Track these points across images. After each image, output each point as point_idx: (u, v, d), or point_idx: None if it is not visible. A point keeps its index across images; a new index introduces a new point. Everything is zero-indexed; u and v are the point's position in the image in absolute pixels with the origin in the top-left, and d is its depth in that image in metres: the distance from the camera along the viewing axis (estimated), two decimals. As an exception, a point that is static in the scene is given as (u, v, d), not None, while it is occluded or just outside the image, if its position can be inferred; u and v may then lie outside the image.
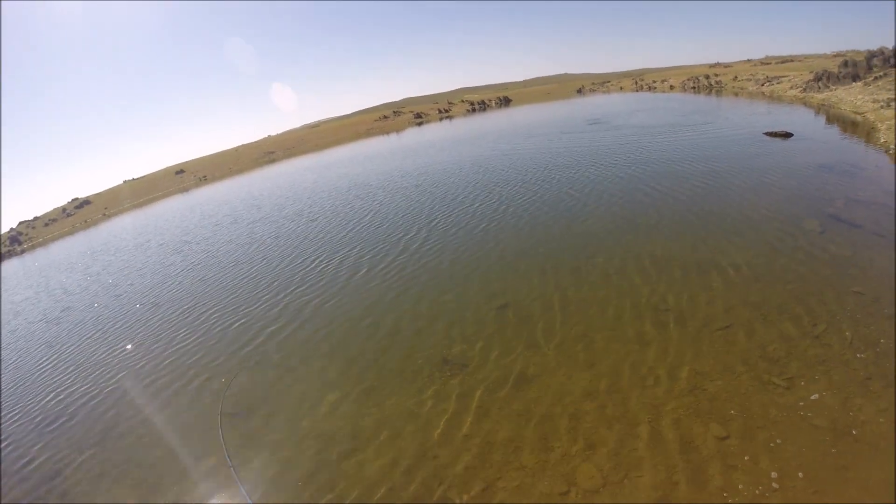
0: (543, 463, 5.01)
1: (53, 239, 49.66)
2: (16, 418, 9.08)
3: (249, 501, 4.93)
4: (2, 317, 18.56)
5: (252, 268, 14.67)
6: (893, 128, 13.77)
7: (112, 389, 9.08)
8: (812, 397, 4.99)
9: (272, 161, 67.36)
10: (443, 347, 7.59)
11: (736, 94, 35.09)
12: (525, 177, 18.27)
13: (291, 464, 5.92)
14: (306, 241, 16.14)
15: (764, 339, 6.03)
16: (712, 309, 6.94)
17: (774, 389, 5.21)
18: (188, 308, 12.45)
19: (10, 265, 38.35)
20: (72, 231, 51.78)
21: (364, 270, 11.79)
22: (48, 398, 9.50)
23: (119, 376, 9.54)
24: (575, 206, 13.24)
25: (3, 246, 51.77)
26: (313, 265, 13.25)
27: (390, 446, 5.79)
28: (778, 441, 4.59)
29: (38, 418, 8.75)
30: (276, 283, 12.45)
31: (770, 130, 16.99)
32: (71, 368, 10.73)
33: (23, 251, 47.22)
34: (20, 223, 67.40)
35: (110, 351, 11.11)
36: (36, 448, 7.82)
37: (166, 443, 7.06)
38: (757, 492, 4.14)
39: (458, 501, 4.83)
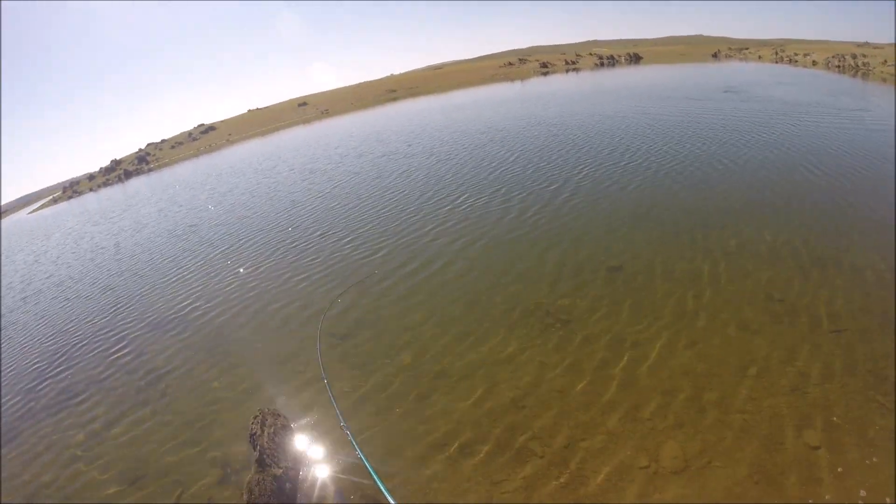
0: (630, 432, 5.23)
1: (178, 160, 52.81)
2: (137, 323, 10.58)
3: (343, 423, 5.27)
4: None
5: (383, 201, 15.44)
6: None
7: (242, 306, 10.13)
8: (916, 428, 4.85)
9: (394, 99, 67.40)
10: (548, 300, 7.86)
11: (884, 80, 30.97)
12: (666, 141, 17.34)
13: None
14: (442, 181, 16.46)
15: (877, 353, 5.81)
16: (829, 308, 6.71)
17: (878, 409, 5.10)
18: (322, 232, 13.62)
19: (137, 181, 41.47)
20: (196, 154, 54.85)
21: (512, 215, 12.04)
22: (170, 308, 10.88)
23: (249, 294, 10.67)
24: (706, 174, 12.85)
25: (130, 164, 56.07)
26: (454, 203, 13.75)
27: (485, 388, 6.24)
28: (874, 460, 4.56)
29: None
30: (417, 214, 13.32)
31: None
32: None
33: (150, 170, 50.90)
34: (148, 144, 72.32)
35: (231, 271, 12.45)
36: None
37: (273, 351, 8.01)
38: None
39: (538, 452, 5.18)
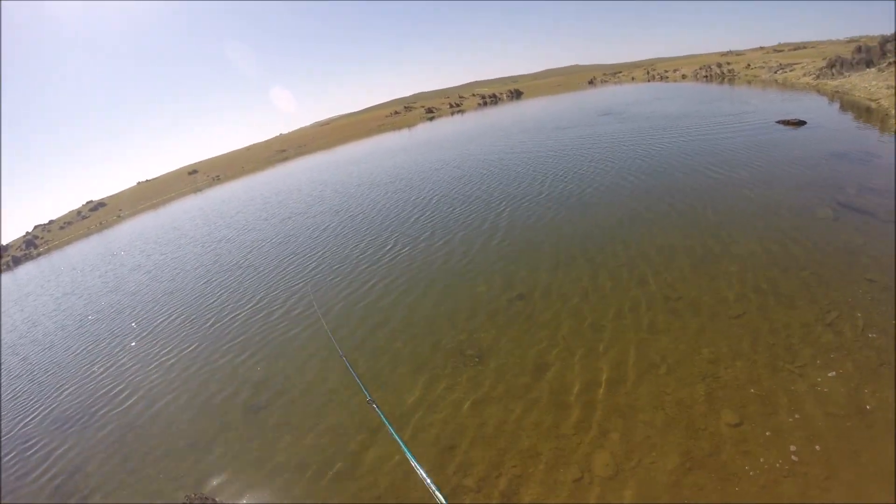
0: (557, 451, 5.10)
1: (69, 241, 50.50)
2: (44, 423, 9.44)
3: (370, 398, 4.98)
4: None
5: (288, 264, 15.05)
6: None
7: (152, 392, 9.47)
8: (824, 384, 5.03)
9: (285, 159, 67.73)
10: (456, 338, 7.76)
11: (749, 83, 34.73)
12: (550, 173, 18.21)
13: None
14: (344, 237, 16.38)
15: (777, 326, 6.06)
16: (725, 297, 6.97)
17: (788, 376, 5.25)
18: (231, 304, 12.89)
19: (26, 269, 39.08)
20: (87, 233, 52.63)
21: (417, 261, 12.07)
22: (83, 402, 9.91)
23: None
24: (589, 195, 13.44)
25: (18, 250, 53.23)
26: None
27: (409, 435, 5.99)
28: (796, 416, 4.72)
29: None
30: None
31: (783, 119, 16.85)
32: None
33: (39, 254, 48.38)
34: (35, 227, 68.79)
35: (140, 357, 11.67)
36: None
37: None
38: (779, 464, 4.27)
39: (472, 487, 4.95)
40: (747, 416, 4.88)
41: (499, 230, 12.27)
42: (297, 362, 8.39)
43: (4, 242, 60.04)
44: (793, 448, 4.41)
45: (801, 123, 15.92)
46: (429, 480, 3.05)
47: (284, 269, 13.87)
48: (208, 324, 11.37)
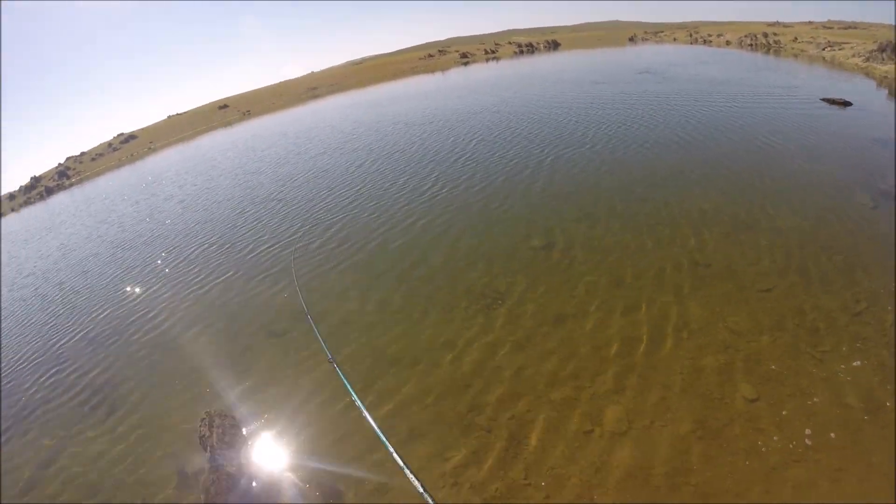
0: (573, 400, 5.08)
1: (100, 172, 50.55)
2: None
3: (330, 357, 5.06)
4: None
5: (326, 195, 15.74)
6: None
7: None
8: (845, 374, 4.95)
9: (316, 97, 65.60)
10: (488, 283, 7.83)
11: (795, 56, 33.18)
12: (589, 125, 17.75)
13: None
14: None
15: (804, 308, 5.97)
16: (755, 270, 6.85)
17: (809, 360, 5.19)
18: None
19: (59, 199, 39.17)
20: (118, 165, 52.60)
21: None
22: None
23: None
24: (634, 153, 13.00)
25: (51, 180, 53.34)
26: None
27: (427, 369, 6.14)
28: (815, 400, 4.68)
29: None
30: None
31: (828, 97, 16.17)
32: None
33: (71, 185, 48.55)
34: (68, 158, 68.36)
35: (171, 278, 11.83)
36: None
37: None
38: (792, 445, 4.27)
39: (485, 426, 4.96)
40: (764, 394, 4.86)
41: (539, 178, 12.03)
42: (332, 294, 8.49)
43: (38, 174, 60.02)
44: (808, 432, 4.38)
45: (846, 104, 15.28)
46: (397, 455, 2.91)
47: (319, 203, 13.81)
48: (242, 253, 11.47)
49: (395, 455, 1.92)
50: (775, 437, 4.38)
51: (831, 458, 4.15)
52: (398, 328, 7.06)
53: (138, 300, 10.57)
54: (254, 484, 5.10)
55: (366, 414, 2.94)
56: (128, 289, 11.45)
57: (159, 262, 12.72)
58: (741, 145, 12.26)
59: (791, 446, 4.28)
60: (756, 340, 5.54)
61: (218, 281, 10.26)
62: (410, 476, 1.69)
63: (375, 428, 3.00)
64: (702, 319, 5.99)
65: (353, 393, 3.96)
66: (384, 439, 2.86)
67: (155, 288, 10.94)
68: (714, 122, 14.93)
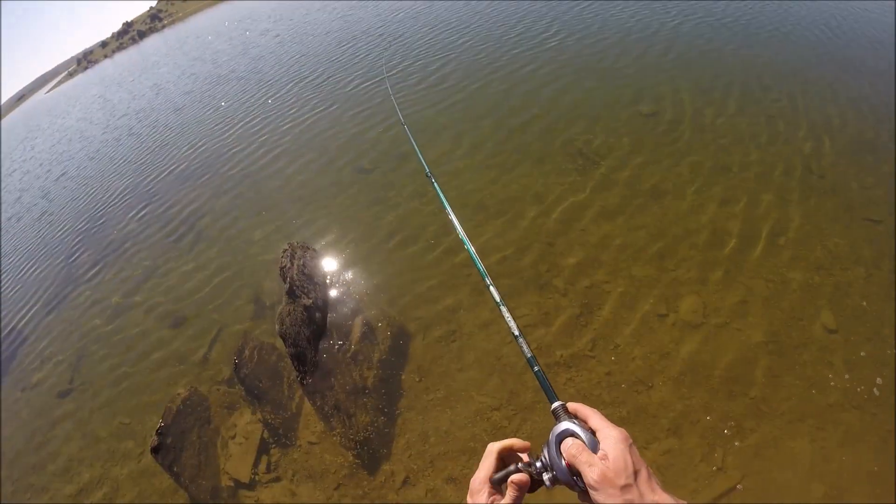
0: (654, 279, 4.87)
1: (195, 12, 45.94)
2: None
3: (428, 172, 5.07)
4: None
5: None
6: None
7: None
8: (932, 334, 4.68)
9: None
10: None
11: None
12: None
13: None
14: None
15: (910, 251, 5.49)
16: (868, 196, 6.28)
17: (897, 308, 4.86)
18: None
19: (152, 41, 36.55)
20: (212, 3, 47.63)
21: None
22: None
23: None
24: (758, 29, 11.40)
25: (143, 24, 50.83)
26: None
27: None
28: (890, 351, 4.47)
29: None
30: None
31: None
32: None
33: (163, 27, 44.84)
34: (159, 1, 66.85)
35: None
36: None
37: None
38: (859, 389, 4.17)
39: (560, 289, 4.79)
40: (845, 327, 4.64)
41: (658, 41, 10.64)
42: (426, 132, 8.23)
43: (130, 19, 59.77)
44: (879, 381, 4.22)
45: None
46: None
47: (424, 39, 12.82)
48: (347, 88, 10.95)
49: (489, 285, 1.64)
50: (846, 376, 4.25)
51: (890, 416, 4.04)
52: (489, 174, 6.83)
53: (230, 135, 10.52)
54: (328, 318, 5.27)
55: (461, 234, 2.60)
56: (219, 125, 11.39)
57: (252, 97, 12.63)
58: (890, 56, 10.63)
59: (859, 390, 4.16)
60: (851, 270, 5.23)
61: (312, 115, 10.05)
62: (505, 312, 1.46)
63: (472, 251, 2.69)
64: (801, 231, 5.64)
65: (450, 210, 3.62)
66: (481, 267, 2.55)
67: (247, 122, 10.84)
68: (865, 20, 12.85)
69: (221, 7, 42.08)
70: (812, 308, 4.79)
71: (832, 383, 4.21)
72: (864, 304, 4.92)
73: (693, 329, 4.50)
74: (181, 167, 9.86)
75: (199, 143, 10.70)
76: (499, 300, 1.67)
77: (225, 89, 13.90)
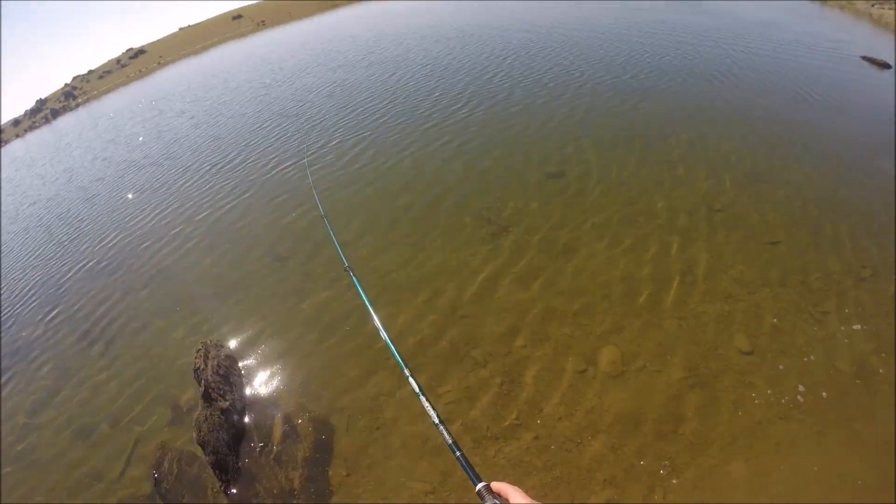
0: (570, 339, 5.07)
1: (108, 91, 48.14)
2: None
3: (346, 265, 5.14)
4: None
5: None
6: None
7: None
8: (843, 337, 4.98)
9: (335, 7, 60.80)
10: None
11: (841, 8, 31.31)
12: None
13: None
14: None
15: (809, 267, 5.92)
16: (765, 221, 6.73)
17: (808, 319, 5.20)
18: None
19: (65, 120, 37.78)
20: (127, 82, 49.79)
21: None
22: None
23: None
24: (646, 85, 12.45)
25: (57, 102, 51.77)
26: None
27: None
28: (811, 357, 4.77)
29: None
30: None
31: (868, 56, 15.32)
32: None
33: (78, 105, 46.60)
34: (74, 78, 66.40)
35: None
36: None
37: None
38: (784, 401, 4.37)
39: (480, 361, 4.98)
40: (760, 347, 4.91)
41: (562, 105, 11.50)
42: (349, 214, 8.39)
43: (44, 96, 59.02)
44: (801, 388, 4.47)
45: (886, 66, 14.52)
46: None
47: (344, 119, 13.35)
48: (263, 173, 11.18)
49: (409, 377, 1.82)
50: (769, 391, 4.46)
51: (816, 419, 4.24)
52: (405, 253, 7.02)
53: (143, 226, 10.46)
54: (246, 420, 5.19)
55: (380, 328, 2.78)
56: (132, 216, 11.28)
57: (166, 184, 12.54)
58: (772, 92, 11.65)
59: (783, 401, 4.36)
60: (758, 292, 5.54)
61: (228, 202, 10.10)
62: (424, 402, 1.61)
63: (390, 344, 2.88)
64: (708, 266, 5.95)
65: (368, 304, 3.83)
66: (399, 358, 2.75)
67: (161, 212, 10.81)
68: (749, 64, 14.16)
69: (136, 86, 42.72)
70: (726, 336, 5.01)
71: (756, 401, 4.38)
72: (775, 320, 5.19)
73: (614, 379, 4.65)
74: (92, 263, 9.63)
75: (112, 236, 10.54)
76: (417, 391, 1.86)
77: (138, 176, 13.84)
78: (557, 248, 6.50)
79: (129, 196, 12.76)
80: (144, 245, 9.65)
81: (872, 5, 29.67)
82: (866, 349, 4.86)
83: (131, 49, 73.45)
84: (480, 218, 7.38)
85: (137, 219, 11.04)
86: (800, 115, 10.25)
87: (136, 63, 63.93)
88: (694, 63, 14.33)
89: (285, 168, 10.95)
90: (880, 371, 4.66)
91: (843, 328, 5.08)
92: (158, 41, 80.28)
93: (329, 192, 9.17)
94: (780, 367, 4.70)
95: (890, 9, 27.90)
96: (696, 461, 4.06)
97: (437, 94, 13.74)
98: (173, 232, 9.67)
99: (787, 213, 6.85)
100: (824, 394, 4.44)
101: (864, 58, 14.96)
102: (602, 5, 23.79)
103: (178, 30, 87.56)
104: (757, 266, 5.91)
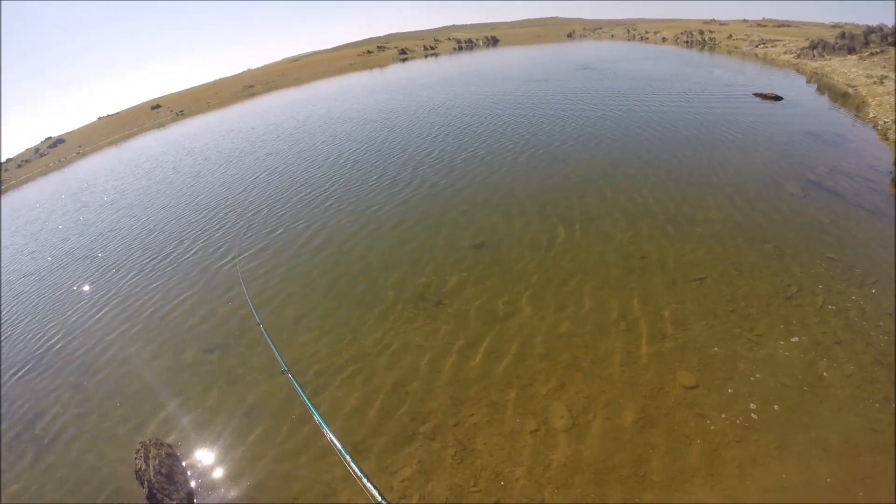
0: (516, 401, 5.11)
1: (27, 180, 48.04)
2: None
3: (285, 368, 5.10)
4: None
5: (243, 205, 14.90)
6: (884, 104, 13.74)
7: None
8: (784, 350, 5.13)
9: (253, 95, 64.24)
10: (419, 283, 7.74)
11: (729, 53, 34.44)
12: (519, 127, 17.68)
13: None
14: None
15: (737, 295, 6.14)
16: (688, 260, 7.04)
17: (744, 343, 5.34)
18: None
19: None
20: (46, 171, 49.97)
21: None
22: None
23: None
24: (564, 151, 13.24)
25: None
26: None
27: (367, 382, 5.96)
28: (758, 376, 4.90)
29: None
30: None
31: (760, 92, 16.86)
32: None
33: None
34: None
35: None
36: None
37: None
38: (738, 422, 4.41)
39: (429, 435, 4.94)
40: (704, 379, 4.97)
41: (477, 177, 12.18)
42: (278, 303, 8.31)
43: None
44: (753, 406, 4.56)
45: (777, 98, 15.97)
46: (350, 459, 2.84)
47: (285, 205, 13.32)
48: (196, 271, 10.68)
49: (353, 466, 1.84)
50: (722, 415, 4.51)
51: (774, 433, 4.26)
52: (344, 336, 6.90)
53: (70, 324, 9.83)
54: None
55: (323, 425, 2.80)
56: (55, 312, 10.59)
57: (90, 281, 11.82)
58: (676, 140, 12.67)
59: (738, 422, 4.42)
60: (692, 327, 5.68)
61: (155, 295, 9.73)
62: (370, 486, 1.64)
63: (333, 439, 2.89)
64: (642, 311, 6.08)
65: (311, 406, 3.86)
66: (343, 451, 2.73)
67: (86, 310, 10.22)
68: (652, 117, 15.40)
69: (55, 176, 41.20)
70: (668, 374, 5.05)
71: (712, 428, 4.40)
72: (716, 349, 5.33)
73: (566, 433, 4.58)
74: (13, 368, 8.78)
75: (33, 337, 9.76)
76: (360, 474, 1.87)
77: (60, 275, 12.97)
78: (497, 315, 6.56)
79: (46, 295, 11.94)
80: (71, 343, 9.06)
81: (756, 46, 32.66)
82: (807, 358, 5.00)
83: (50, 138, 72.01)
84: (415, 295, 7.46)
85: (61, 317, 10.39)
86: (705, 158, 11.08)
87: (55, 152, 62.06)
88: (604, 125, 15.41)
89: (220, 264, 10.52)
90: (825, 375, 4.78)
91: (781, 343, 5.22)
92: (78, 130, 79.20)
93: (261, 283, 8.98)
94: (729, 390, 4.76)
95: (773, 46, 30.73)
96: (659, 499, 4.01)
97: (379, 173, 14.19)
98: (101, 328, 9.18)
99: (708, 250, 7.19)
100: (776, 407, 4.51)
101: (757, 94, 16.43)
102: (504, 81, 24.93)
103: (97, 119, 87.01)
104: (688, 303, 6.10)
